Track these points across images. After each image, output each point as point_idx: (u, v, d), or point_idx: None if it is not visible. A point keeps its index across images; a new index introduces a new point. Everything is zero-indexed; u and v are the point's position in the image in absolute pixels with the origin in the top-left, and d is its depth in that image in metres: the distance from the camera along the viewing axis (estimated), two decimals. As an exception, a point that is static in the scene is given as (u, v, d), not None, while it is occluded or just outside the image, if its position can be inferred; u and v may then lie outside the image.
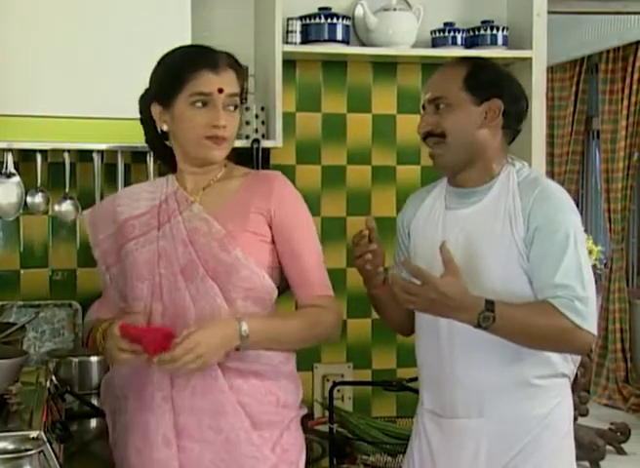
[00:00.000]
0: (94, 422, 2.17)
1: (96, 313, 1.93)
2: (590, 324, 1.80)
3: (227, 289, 1.73)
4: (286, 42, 2.68)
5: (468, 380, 1.89)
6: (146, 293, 1.78)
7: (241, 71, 1.83)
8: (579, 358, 1.96)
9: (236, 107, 1.80)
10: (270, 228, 1.79)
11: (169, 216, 1.80)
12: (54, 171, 2.62)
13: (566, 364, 1.92)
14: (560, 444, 1.93)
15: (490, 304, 1.76)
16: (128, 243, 1.82)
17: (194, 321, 1.72)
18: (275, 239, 1.80)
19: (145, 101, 1.85)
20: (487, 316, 1.75)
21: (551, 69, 6.32)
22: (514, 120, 1.95)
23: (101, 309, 1.92)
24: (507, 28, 2.85)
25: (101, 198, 2.58)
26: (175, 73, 1.78)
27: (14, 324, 2.12)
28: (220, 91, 1.75)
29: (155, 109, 1.81)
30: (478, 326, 1.76)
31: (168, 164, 1.89)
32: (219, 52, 1.81)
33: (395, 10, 2.77)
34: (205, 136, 1.76)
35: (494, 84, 1.92)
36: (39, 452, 1.54)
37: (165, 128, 1.82)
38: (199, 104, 1.76)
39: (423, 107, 1.97)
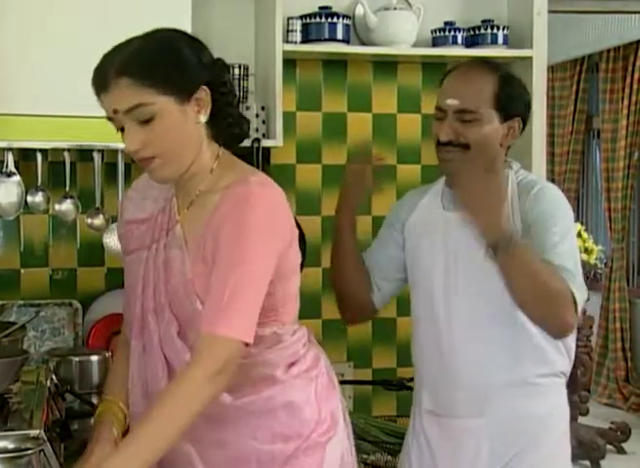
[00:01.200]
0: (94, 421, 2.16)
1: (119, 346, 1.77)
2: (580, 299, 1.78)
3: (191, 336, 1.52)
4: (286, 41, 2.68)
5: (469, 380, 1.90)
6: (132, 324, 1.63)
7: (141, 70, 1.47)
8: (573, 353, 1.97)
9: (149, 119, 1.47)
10: None
11: (159, 235, 1.60)
12: (54, 170, 2.62)
13: (562, 360, 1.93)
14: (558, 442, 1.94)
15: (516, 237, 1.76)
16: (126, 256, 1.66)
17: (161, 367, 1.56)
18: None
19: None
20: (510, 238, 1.73)
21: (552, 68, 6.32)
22: (523, 128, 1.97)
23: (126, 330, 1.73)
24: (508, 27, 2.85)
25: (102, 197, 2.59)
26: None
27: (14, 323, 2.12)
28: (115, 111, 1.49)
29: None
30: (501, 241, 1.73)
31: None
32: (109, 56, 1.53)
33: (395, 9, 2.77)
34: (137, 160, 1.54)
35: (519, 102, 1.92)
36: (39, 452, 1.53)
37: None
38: (119, 131, 1.53)
39: (440, 109, 1.91)
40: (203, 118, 1.54)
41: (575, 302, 1.78)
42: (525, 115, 1.94)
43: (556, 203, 1.88)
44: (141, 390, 1.61)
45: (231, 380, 1.48)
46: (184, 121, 1.51)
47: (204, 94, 1.53)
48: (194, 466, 1.55)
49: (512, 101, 1.90)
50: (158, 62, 1.49)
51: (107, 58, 1.52)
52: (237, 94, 1.62)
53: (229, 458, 1.54)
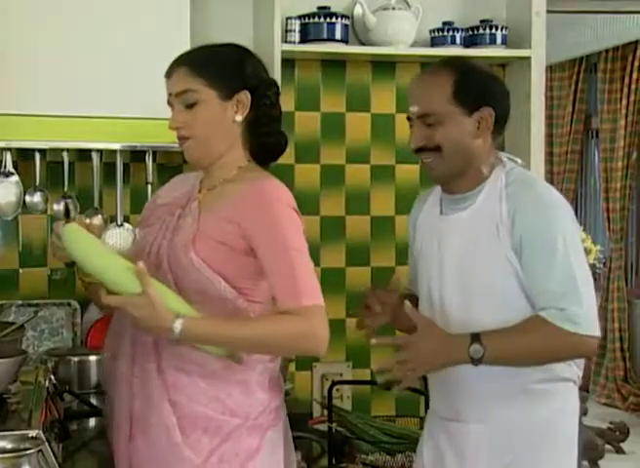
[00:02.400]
0: (93, 421, 2.16)
1: None
2: (587, 327, 1.77)
3: (183, 290, 1.69)
4: (285, 41, 2.68)
5: (471, 386, 1.89)
6: None
7: (197, 63, 1.75)
8: (582, 361, 1.96)
9: (192, 104, 1.74)
10: (245, 239, 1.70)
11: (175, 209, 1.81)
12: (52, 170, 2.62)
13: (568, 368, 1.91)
14: (559, 449, 1.92)
15: (475, 336, 1.76)
16: (143, 228, 1.85)
17: None
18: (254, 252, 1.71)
19: None
20: (476, 348, 1.75)
21: (550, 68, 6.31)
22: (502, 120, 1.91)
23: None
24: (506, 27, 2.85)
25: (100, 197, 2.59)
26: None
27: (13, 323, 2.12)
28: (170, 94, 1.77)
29: None
30: (472, 360, 1.76)
31: None
32: (183, 54, 1.80)
33: (394, 9, 2.77)
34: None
35: (482, 92, 1.87)
36: (38, 452, 1.54)
37: None
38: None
39: (409, 119, 1.91)
40: (239, 117, 1.77)
41: (578, 331, 1.77)
42: (496, 103, 1.88)
43: (544, 211, 1.82)
44: (130, 339, 1.75)
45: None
46: (222, 115, 1.75)
47: (244, 97, 1.76)
48: (160, 405, 1.69)
49: (473, 93, 1.85)
50: (213, 60, 1.77)
51: (182, 54, 1.80)
52: (278, 115, 1.84)
53: (179, 417, 1.69)
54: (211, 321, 1.65)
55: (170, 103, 1.78)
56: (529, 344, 1.79)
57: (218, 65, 1.76)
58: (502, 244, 1.82)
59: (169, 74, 1.77)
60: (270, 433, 1.77)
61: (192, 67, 1.74)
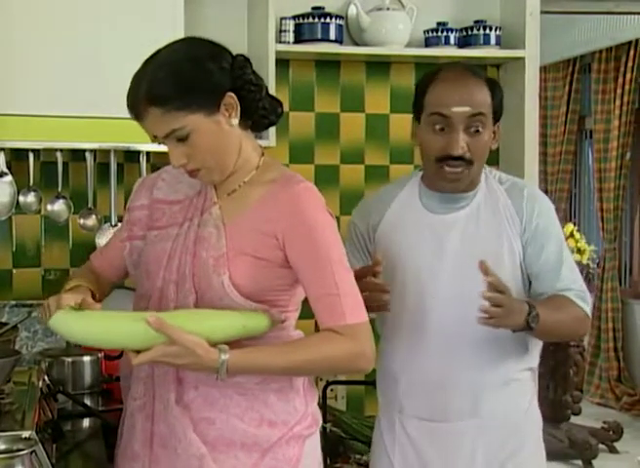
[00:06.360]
0: (86, 422, 2.16)
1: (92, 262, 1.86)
2: (591, 311, 1.93)
3: (208, 307, 1.59)
4: (279, 41, 2.68)
5: (460, 382, 1.89)
6: (145, 292, 1.68)
7: (166, 98, 1.54)
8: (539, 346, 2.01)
9: (185, 138, 1.56)
10: (282, 251, 1.60)
11: (192, 214, 1.67)
12: (46, 170, 2.61)
13: (535, 354, 1.98)
14: (538, 432, 1.99)
15: (531, 305, 1.79)
16: (151, 230, 1.71)
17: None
18: (290, 264, 1.61)
19: None
20: (534, 316, 1.78)
21: (544, 69, 6.32)
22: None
23: (102, 263, 1.84)
24: (500, 28, 2.85)
25: (94, 197, 2.59)
26: None
27: (6, 323, 2.11)
28: (155, 136, 1.60)
29: None
30: (526, 327, 1.77)
31: None
32: (138, 81, 1.58)
33: (388, 9, 2.78)
34: None
35: (501, 106, 1.91)
36: (31, 452, 1.53)
37: None
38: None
39: (443, 116, 1.82)
40: (235, 121, 1.61)
41: (589, 313, 1.92)
42: (501, 118, 1.92)
43: (547, 207, 1.93)
44: None
45: None
46: (219, 129, 1.60)
47: (230, 99, 1.60)
48: (186, 435, 1.59)
49: (501, 106, 1.89)
50: (182, 86, 1.55)
51: (136, 84, 1.59)
52: (262, 82, 1.68)
53: (217, 436, 1.60)
54: (257, 352, 1.55)
55: (156, 138, 1.60)
56: (561, 319, 1.87)
57: (188, 89, 1.55)
58: (511, 235, 1.89)
59: (138, 117, 1.58)
60: (309, 442, 1.69)
61: (165, 106, 1.54)
